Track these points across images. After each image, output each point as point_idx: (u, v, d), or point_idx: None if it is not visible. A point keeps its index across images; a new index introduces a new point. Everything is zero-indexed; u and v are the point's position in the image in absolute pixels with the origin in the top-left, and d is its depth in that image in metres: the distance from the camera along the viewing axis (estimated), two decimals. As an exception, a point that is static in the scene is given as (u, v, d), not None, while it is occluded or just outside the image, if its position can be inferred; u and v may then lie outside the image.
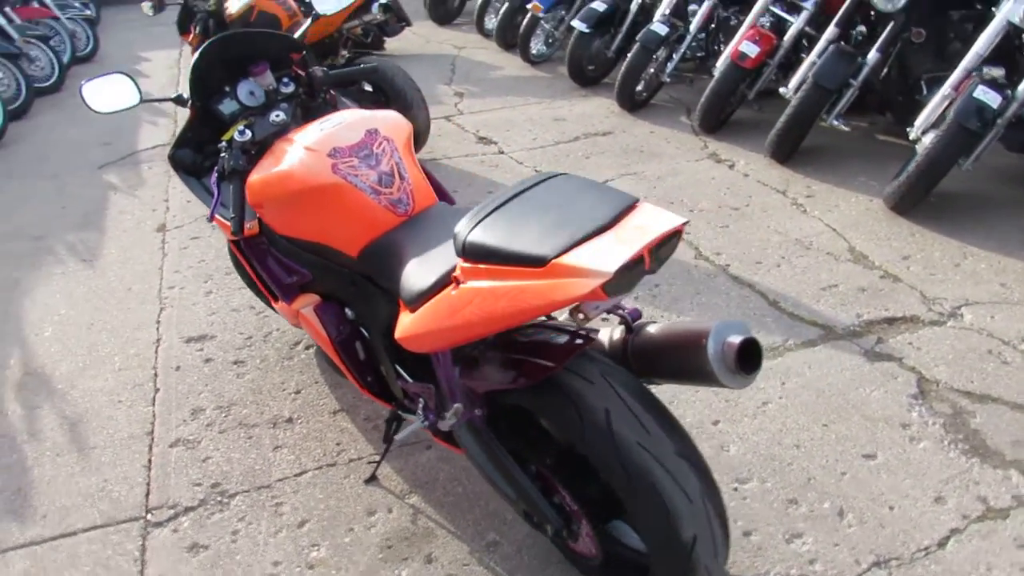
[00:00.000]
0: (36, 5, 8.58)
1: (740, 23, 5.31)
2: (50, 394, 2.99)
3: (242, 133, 2.22)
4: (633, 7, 6.14)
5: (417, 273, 1.76)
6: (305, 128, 2.19)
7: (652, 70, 5.82)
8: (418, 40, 8.81)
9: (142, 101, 2.42)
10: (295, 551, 2.23)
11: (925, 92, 4.49)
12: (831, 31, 4.63)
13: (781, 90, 4.84)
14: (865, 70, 4.44)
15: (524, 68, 7.46)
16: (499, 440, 1.87)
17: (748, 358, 1.53)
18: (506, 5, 7.81)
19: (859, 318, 3.16)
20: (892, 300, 3.28)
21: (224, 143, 2.25)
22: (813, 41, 4.84)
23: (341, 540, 2.26)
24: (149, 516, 2.39)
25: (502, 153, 5.28)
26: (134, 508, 2.42)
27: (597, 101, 6.32)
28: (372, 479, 2.46)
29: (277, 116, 2.30)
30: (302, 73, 2.51)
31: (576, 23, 6.15)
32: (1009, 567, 2.06)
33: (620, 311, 1.80)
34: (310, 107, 2.50)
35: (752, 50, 4.82)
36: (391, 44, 8.03)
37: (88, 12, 9.99)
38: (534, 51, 7.44)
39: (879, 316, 3.17)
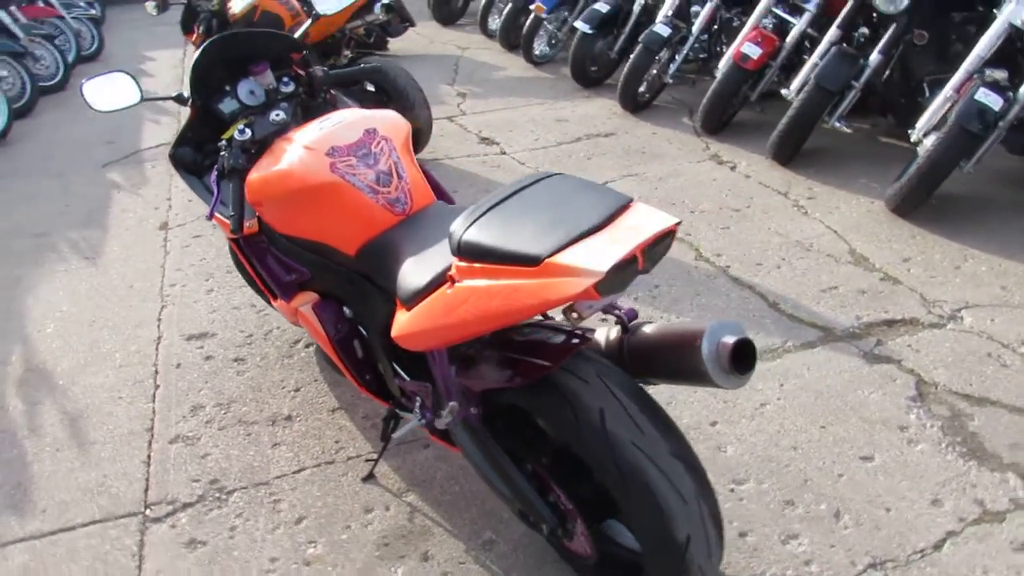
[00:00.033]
0: (41, 4, 8.61)
1: (743, 24, 5.31)
2: (51, 390, 3.00)
3: (242, 132, 2.23)
4: (636, 8, 6.16)
5: (413, 272, 1.77)
6: (304, 127, 2.20)
7: (655, 71, 5.83)
8: (422, 40, 8.83)
9: (143, 100, 2.43)
10: (292, 547, 2.24)
11: (927, 94, 4.48)
12: (833, 33, 4.63)
13: (783, 92, 4.85)
14: (867, 72, 4.44)
15: (527, 69, 7.47)
16: (495, 439, 1.88)
17: (742, 359, 1.53)
18: (509, 6, 7.82)
19: (859, 320, 3.16)
20: (892, 302, 3.28)
21: (224, 142, 2.26)
22: (815, 43, 4.84)
23: (338, 537, 2.26)
24: (148, 512, 2.40)
25: (504, 154, 5.29)
26: (133, 504, 2.43)
27: (600, 102, 6.33)
28: (370, 477, 2.47)
29: (277, 115, 2.31)
30: (302, 73, 2.52)
31: (579, 24, 6.15)
32: (1005, 570, 2.06)
33: (616, 311, 1.80)
34: (310, 106, 2.51)
35: (754, 51, 4.83)
36: (395, 44, 8.04)
37: (93, 11, 10.04)
38: (537, 52, 7.45)
39: (879, 318, 3.17)
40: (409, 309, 1.71)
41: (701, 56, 6.21)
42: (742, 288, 3.44)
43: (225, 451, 2.63)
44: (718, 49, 6.03)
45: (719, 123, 5.37)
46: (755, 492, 2.34)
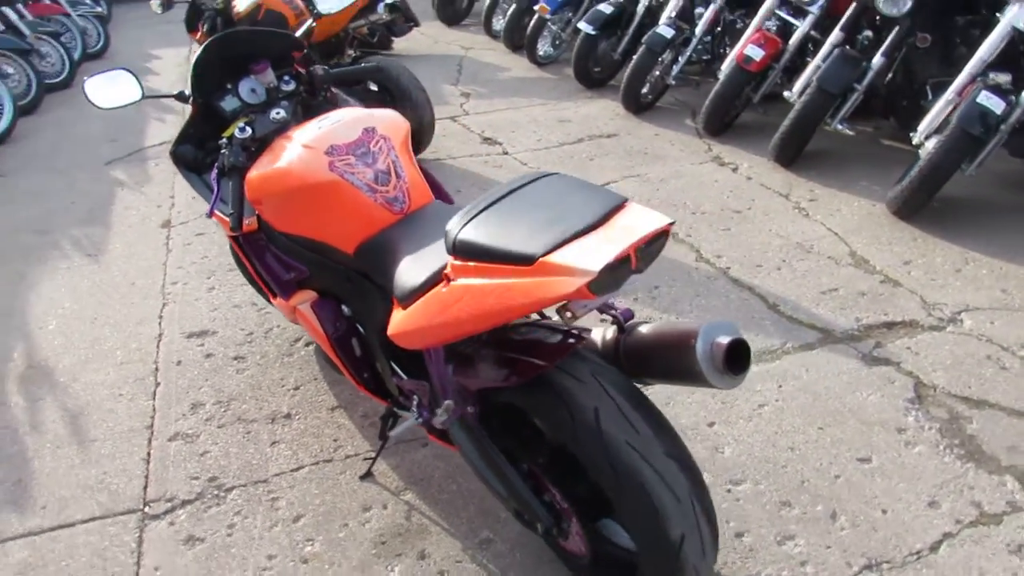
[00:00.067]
0: (48, 2, 8.64)
1: (746, 26, 5.31)
2: (52, 387, 3.01)
3: (242, 130, 2.24)
4: (640, 10, 6.16)
5: (410, 270, 1.78)
6: (304, 126, 2.21)
7: (658, 73, 5.84)
8: (426, 40, 8.84)
9: (144, 97, 2.45)
10: (289, 545, 2.24)
11: (930, 97, 4.48)
12: (836, 35, 4.63)
13: (785, 94, 4.85)
14: (870, 75, 4.44)
15: (531, 69, 7.48)
16: (492, 438, 1.88)
17: (736, 359, 1.54)
18: (514, 6, 7.83)
19: (858, 322, 3.16)
20: (892, 305, 3.28)
21: (225, 140, 2.27)
22: (818, 45, 4.83)
23: (335, 535, 2.27)
24: (147, 508, 2.41)
25: (506, 154, 5.30)
26: (132, 500, 2.44)
27: (602, 103, 6.33)
28: (368, 475, 2.47)
29: (277, 114, 2.32)
30: (303, 71, 2.53)
31: (582, 25, 6.16)
32: (1002, 572, 2.06)
33: (612, 311, 1.81)
34: (311, 105, 2.52)
35: (757, 53, 4.83)
36: (399, 44, 8.08)
37: (99, 9, 10.07)
38: (541, 52, 7.46)
39: (878, 320, 3.17)
40: (405, 307, 1.72)
41: (704, 58, 6.23)
42: (742, 289, 3.44)
43: (224, 449, 2.64)
44: (721, 51, 6.03)
45: (721, 125, 5.38)
46: (752, 493, 2.34)
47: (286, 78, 2.47)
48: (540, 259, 1.37)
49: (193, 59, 2.40)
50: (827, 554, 2.12)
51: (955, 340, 3.03)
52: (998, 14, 3.83)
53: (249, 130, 2.25)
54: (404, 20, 7.15)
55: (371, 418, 2.72)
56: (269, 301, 2.80)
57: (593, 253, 1.34)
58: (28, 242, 4.32)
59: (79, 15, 9.08)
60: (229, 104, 2.40)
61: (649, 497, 1.54)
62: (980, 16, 4.38)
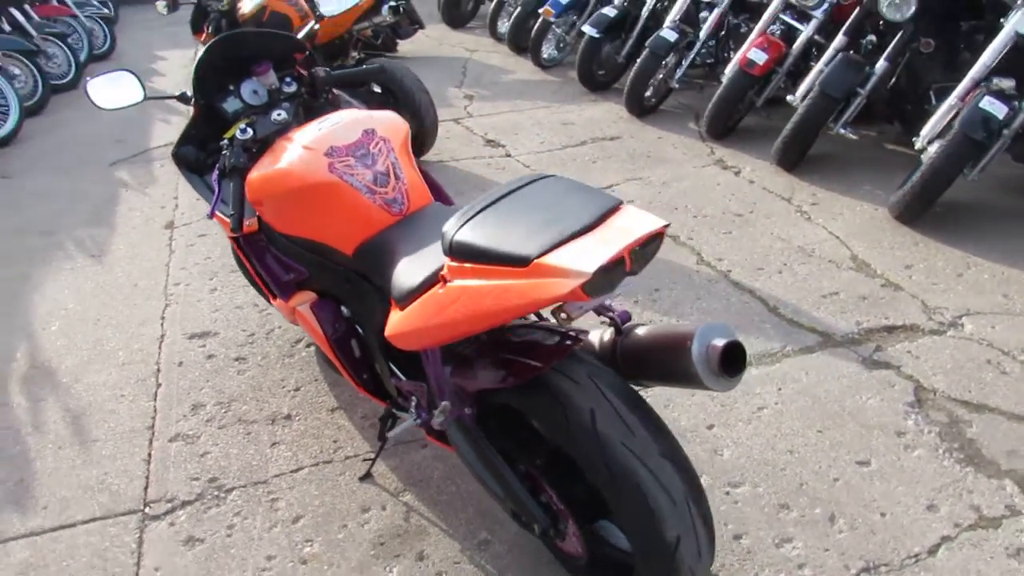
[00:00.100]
0: (55, 3, 8.68)
1: (750, 30, 5.32)
2: (55, 387, 3.03)
3: (244, 131, 2.25)
4: (644, 13, 6.16)
5: (407, 271, 1.78)
6: (304, 127, 2.22)
7: (661, 76, 5.84)
8: (431, 43, 8.86)
9: (146, 98, 2.46)
10: (289, 546, 2.25)
11: (934, 102, 4.47)
12: (839, 40, 4.63)
13: (788, 98, 4.85)
14: (873, 79, 4.44)
15: (535, 72, 7.49)
16: (489, 439, 1.89)
17: (732, 361, 1.54)
18: (519, 9, 7.85)
19: (858, 326, 3.16)
20: (893, 308, 3.28)
21: (226, 141, 2.28)
22: (822, 49, 4.84)
23: (335, 536, 2.28)
24: (147, 509, 2.42)
25: (509, 156, 5.31)
26: (133, 501, 2.45)
27: (606, 106, 6.34)
28: (367, 476, 2.48)
29: (279, 115, 2.33)
30: (305, 73, 2.54)
31: (587, 28, 6.18)
32: (1000, 575, 2.07)
33: (610, 313, 1.81)
34: (312, 107, 2.53)
35: (760, 57, 4.83)
36: (404, 46, 8.09)
37: (106, 11, 10.14)
38: (545, 55, 7.47)
39: (879, 324, 3.17)
40: (403, 308, 1.72)
41: (708, 61, 6.24)
42: (743, 292, 3.44)
43: (225, 450, 2.65)
44: (725, 55, 6.04)
45: (725, 128, 5.38)
46: (750, 495, 2.34)
47: (288, 80, 2.48)
48: (535, 260, 1.38)
49: (195, 60, 2.41)
50: (825, 557, 2.13)
51: (956, 344, 3.03)
52: (1002, 19, 3.82)
53: (250, 131, 2.26)
54: (409, 22, 7.17)
55: (371, 419, 2.72)
56: (269, 302, 2.81)
57: (588, 255, 1.34)
58: (33, 243, 4.34)
59: (86, 16, 9.12)
60: (231, 105, 2.41)
61: (645, 499, 1.54)
62: (984, 21, 4.38)
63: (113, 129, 6.32)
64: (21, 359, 3.22)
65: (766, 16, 5.08)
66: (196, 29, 5.47)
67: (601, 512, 1.88)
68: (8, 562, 2.25)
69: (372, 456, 2.52)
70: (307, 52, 2.59)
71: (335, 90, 2.68)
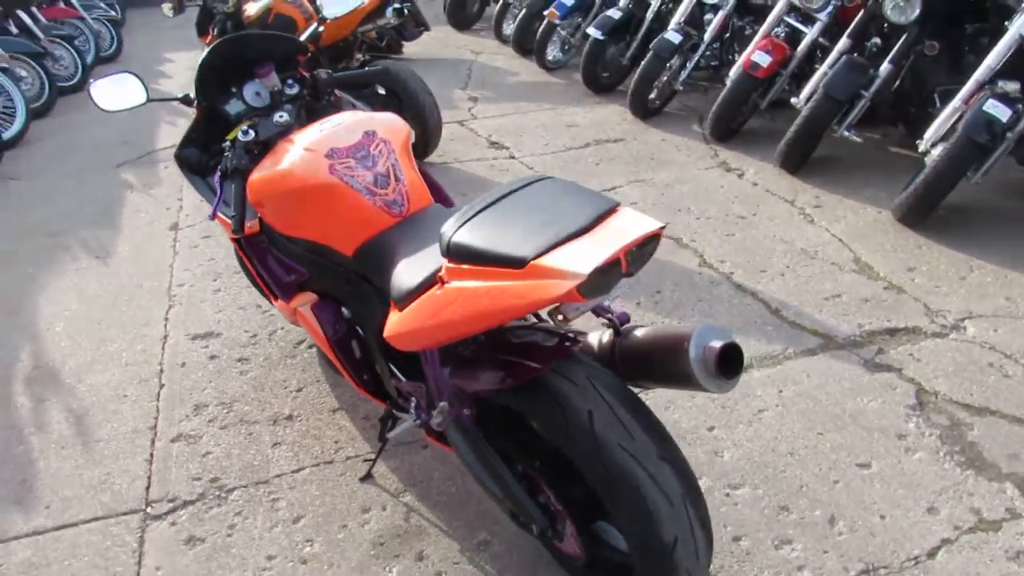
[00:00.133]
0: (62, 5, 8.72)
1: (755, 33, 5.31)
2: (58, 388, 3.04)
3: (246, 133, 2.26)
4: (648, 15, 6.17)
5: (406, 273, 1.79)
6: (305, 129, 2.23)
7: (665, 78, 5.84)
8: (436, 45, 8.87)
9: (149, 100, 2.48)
10: (289, 546, 2.26)
11: (938, 105, 4.46)
12: (844, 42, 4.63)
13: (792, 100, 4.85)
14: (877, 82, 4.43)
15: (540, 74, 7.50)
16: (488, 440, 1.89)
17: (729, 363, 1.55)
18: (524, 11, 7.86)
19: (860, 328, 3.15)
20: (895, 311, 3.27)
21: (228, 142, 2.29)
22: (827, 52, 4.84)
23: (335, 536, 2.29)
24: (149, 509, 2.43)
25: (513, 158, 5.32)
26: (134, 501, 2.47)
27: (610, 108, 6.34)
28: (368, 477, 2.49)
29: (281, 117, 2.34)
30: (307, 75, 2.55)
31: (591, 30, 6.18)
32: (999, 579, 2.06)
33: (609, 315, 1.82)
34: (314, 109, 2.54)
35: (764, 60, 4.83)
36: (409, 48, 8.10)
37: (113, 13, 10.17)
38: (550, 57, 7.48)
39: (881, 327, 3.16)
40: (401, 309, 1.73)
41: (712, 64, 6.23)
42: (745, 294, 3.44)
43: (226, 450, 2.66)
44: (729, 57, 6.03)
45: (728, 130, 5.38)
46: (750, 497, 2.34)
47: (290, 82, 2.49)
48: (532, 262, 1.38)
49: (198, 62, 2.43)
50: (824, 559, 2.12)
51: (958, 347, 3.02)
52: (1007, 22, 3.82)
53: (252, 133, 2.27)
54: (414, 24, 7.19)
55: (372, 420, 2.73)
56: (271, 303, 2.82)
57: (583, 256, 1.35)
58: (39, 244, 4.36)
59: (93, 19, 9.16)
60: (233, 107, 2.42)
61: (642, 500, 1.55)
62: (989, 24, 4.36)
63: (119, 131, 6.35)
64: (25, 359, 3.24)
65: (770, 18, 5.07)
66: (201, 31, 5.50)
67: (599, 513, 1.88)
68: (11, 561, 2.26)
69: (373, 457, 2.53)
70: (309, 54, 2.59)
71: (339, 92, 2.69)
